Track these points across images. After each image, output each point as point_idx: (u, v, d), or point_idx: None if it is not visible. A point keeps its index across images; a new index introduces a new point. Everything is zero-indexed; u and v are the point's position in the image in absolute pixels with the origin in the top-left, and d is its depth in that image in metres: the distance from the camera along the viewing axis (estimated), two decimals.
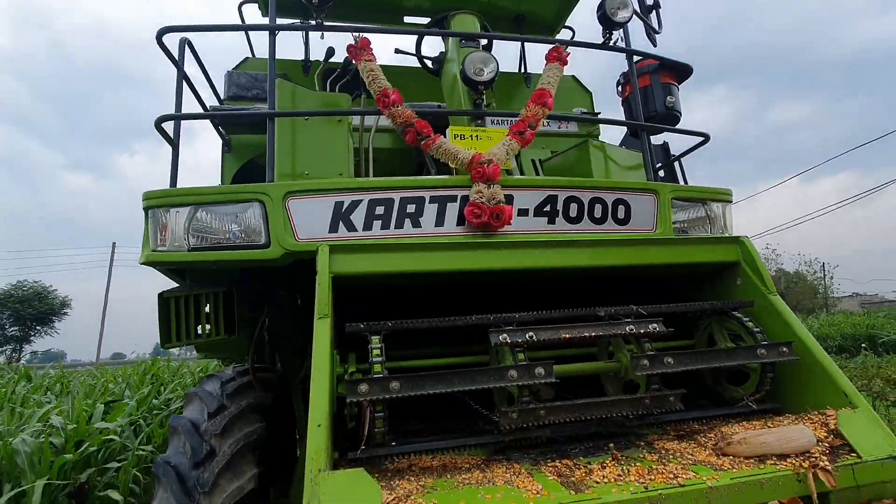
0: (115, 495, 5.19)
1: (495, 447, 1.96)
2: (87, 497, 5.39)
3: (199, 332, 2.89)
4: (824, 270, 34.53)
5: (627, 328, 1.95)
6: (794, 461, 1.65)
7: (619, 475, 1.62)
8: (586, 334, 1.89)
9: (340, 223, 2.52)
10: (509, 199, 2.70)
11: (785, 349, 2.00)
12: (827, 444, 1.69)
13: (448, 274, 2.22)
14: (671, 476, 1.58)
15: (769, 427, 1.87)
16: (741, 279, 2.36)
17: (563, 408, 1.81)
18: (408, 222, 2.57)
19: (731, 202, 3.30)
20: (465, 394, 1.95)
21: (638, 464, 1.73)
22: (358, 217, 2.54)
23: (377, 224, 2.54)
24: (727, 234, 3.13)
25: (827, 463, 1.61)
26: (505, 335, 1.84)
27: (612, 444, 1.95)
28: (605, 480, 1.58)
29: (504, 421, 1.75)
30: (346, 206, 2.54)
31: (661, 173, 4.25)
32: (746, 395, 2.12)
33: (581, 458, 1.83)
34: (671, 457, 1.78)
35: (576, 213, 2.79)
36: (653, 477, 1.58)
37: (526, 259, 2.21)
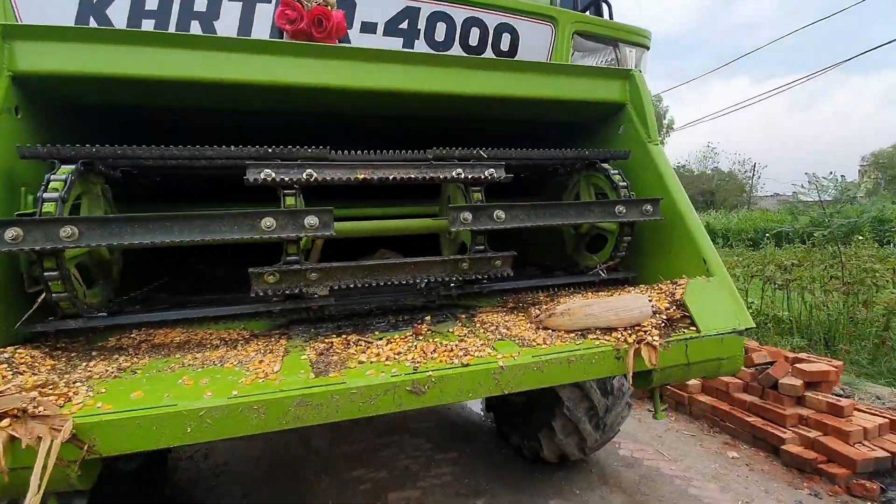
0: None
1: (289, 319, 1.55)
2: None
3: None
4: (753, 171, 35.88)
5: (454, 172, 1.46)
6: (620, 335, 1.33)
7: (398, 353, 1.24)
8: (393, 176, 1.39)
9: (91, 18, 1.75)
10: (349, 6, 1.99)
11: (649, 207, 1.61)
12: (664, 317, 1.38)
13: (234, 92, 1.57)
14: (461, 354, 1.23)
15: (603, 297, 1.54)
16: (625, 126, 1.89)
17: (343, 270, 1.36)
18: (196, 26, 1.84)
19: (648, 48, 2.73)
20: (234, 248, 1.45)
21: (437, 339, 1.36)
22: (119, 10, 1.77)
23: (148, 25, 1.80)
24: None
25: (656, 337, 1.30)
26: (268, 171, 1.29)
27: (429, 317, 1.59)
28: (375, 360, 1.20)
29: (258, 285, 1.29)
30: None
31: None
32: (600, 263, 1.78)
33: (377, 332, 1.45)
34: (483, 331, 1.43)
35: (443, 35, 2.13)
36: (437, 355, 1.21)
37: (349, 75, 1.57)
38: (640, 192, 1.80)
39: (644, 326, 1.34)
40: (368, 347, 1.29)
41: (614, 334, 1.33)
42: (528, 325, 1.45)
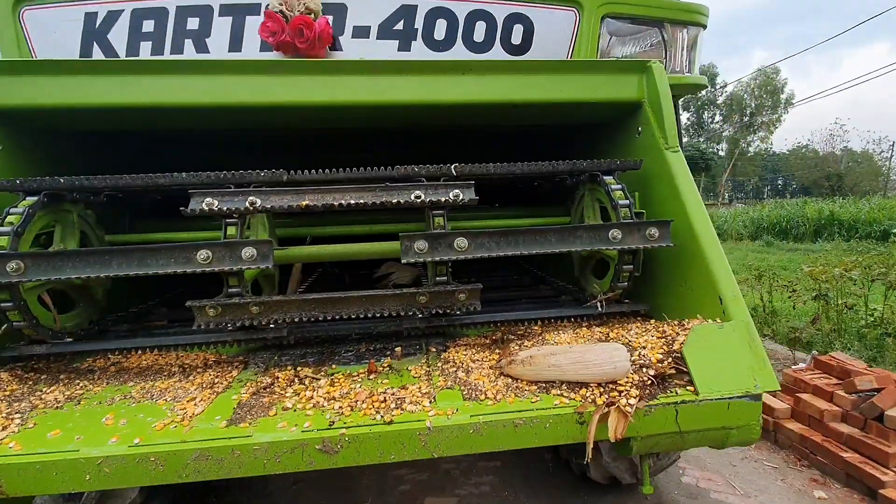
0: None
1: (259, 344, 1.52)
2: None
3: None
4: (892, 150, 30.11)
5: (412, 195, 1.31)
6: (589, 393, 1.11)
7: (330, 399, 1.15)
8: (339, 202, 1.28)
9: (95, 45, 1.85)
10: (340, 11, 1.89)
11: (654, 231, 1.33)
12: (652, 373, 1.13)
13: (216, 115, 1.57)
14: (392, 406, 1.10)
15: (580, 341, 1.31)
16: (643, 128, 1.59)
17: (288, 303, 1.29)
18: (189, 45, 1.86)
19: (704, 26, 2.32)
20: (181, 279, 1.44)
21: (385, 380, 1.25)
22: (118, 36, 1.84)
23: (146, 47, 1.85)
24: (679, 75, 2.24)
25: (632, 400, 1.07)
26: (210, 199, 1.25)
27: (399, 348, 1.48)
28: (301, 407, 1.12)
29: (201, 318, 1.27)
30: (100, 19, 1.83)
31: None
32: (601, 294, 1.52)
33: (334, 365, 1.37)
34: (438, 373, 1.28)
35: (444, 33, 1.96)
36: (365, 406, 1.10)
37: (314, 90, 1.49)
38: (654, 208, 1.52)
39: (621, 385, 1.11)
40: (309, 387, 1.21)
41: (583, 391, 1.12)
42: (492, 368, 1.27)
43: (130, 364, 1.41)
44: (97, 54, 1.83)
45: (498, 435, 1.04)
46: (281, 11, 1.75)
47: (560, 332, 1.44)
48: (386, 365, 1.36)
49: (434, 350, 1.45)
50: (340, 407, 1.10)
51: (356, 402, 1.12)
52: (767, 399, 4.34)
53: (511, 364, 1.19)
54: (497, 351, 1.41)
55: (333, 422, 1.04)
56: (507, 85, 1.53)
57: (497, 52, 2.01)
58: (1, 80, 1.39)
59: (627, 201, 1.41)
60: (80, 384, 1.27)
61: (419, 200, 1.30)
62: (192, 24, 1.84)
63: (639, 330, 1.37)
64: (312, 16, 1.77)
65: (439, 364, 1.34)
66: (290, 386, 1.24)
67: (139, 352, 1.46)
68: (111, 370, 1.38)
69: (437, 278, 1.33)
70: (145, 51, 1.84)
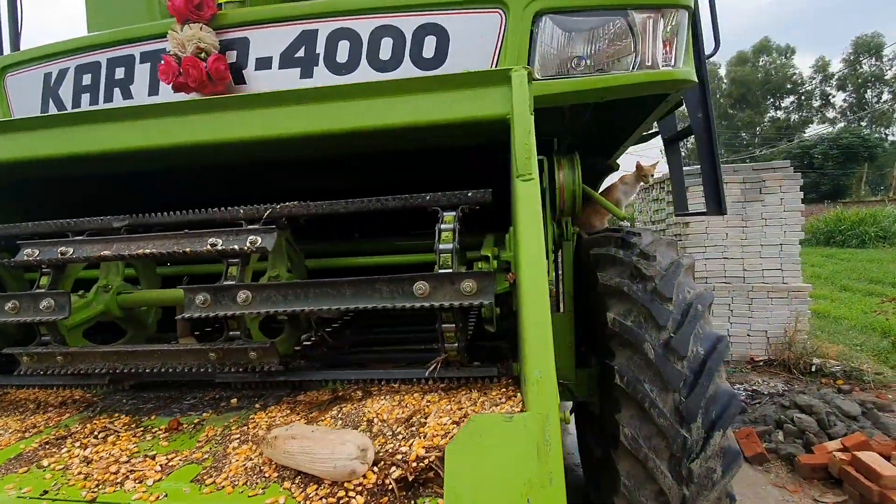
0: None
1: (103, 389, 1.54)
2: None
3: None
4: None
5: (207, 243, 1.21)
6: (314, 493, 0.90)
7: (90, 461, 1.11)
8: (129, 253, 1.23)
9: (50, 101, 2.08)
10: (243, 45, 1.88)
11: (469, 285, 1.05)
12: (394, 476, 0.87)
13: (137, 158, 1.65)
14: (119, 479, 1.02)
15: (395, 412, 1.08)
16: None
17: (92, 355, 1.28)
18: (117, 92, 1.99)
19: (688, 7, 1.88)
20: None
21: (163, 442, 1.18)
22: (66, 91, 2.05)
23: (86, 98, 2.03)
24: (652, 70, 1.84)
25: None
26: (30, 250, 1.30)
27: (235, 400, 1.40)
28: (49, 468, 1.10)
29: (23, 364, 1.31)
30: (54, 78, 2.06)
31: None
32: (442, 355, 1.25)
33: (153, 417, 1.33)
34: (218, 439, 1.16)
35: (347, 55, 1.85)
36: (95, 475, 1.03)
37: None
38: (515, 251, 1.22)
39: (349, 487, 0.88)
40: (92, 442, 1.19)
41: (311, 488, 0.91)
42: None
43: (15, 396, 1.53)
44: (52, 109, 2.06)
45: None
46: (175, 54, 1.78)
47: (384, 396, 1.22)
48: (196, 421, 1.28)
49: (259, 405, 1.34)
50: (79, 473, 1.05)
51: (94, 469, 1.06)
52: (872, 460, 3.36)
53: (264, 441, 1.03)
54: (313, 413, 1.25)
55: (47, 491, 1.00)
56: (341, 112, 1.36)
57: (407, 69, 1.82)
58: None
59: (449, 245, 1.14)
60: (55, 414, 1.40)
61: (216, 248, 1.21)
62: (119, 73, 1.97)
63: (457, 405, 1.10)
64: (203, 55, 1.77)
65: (236, 427, 1.22)
66: (84, 438, 1.22)
67: (54, 387, 1.57)
68: (3, 401, 1.51)
69: (230, 333, 1.22)
70: (85, 102, 2.02)
